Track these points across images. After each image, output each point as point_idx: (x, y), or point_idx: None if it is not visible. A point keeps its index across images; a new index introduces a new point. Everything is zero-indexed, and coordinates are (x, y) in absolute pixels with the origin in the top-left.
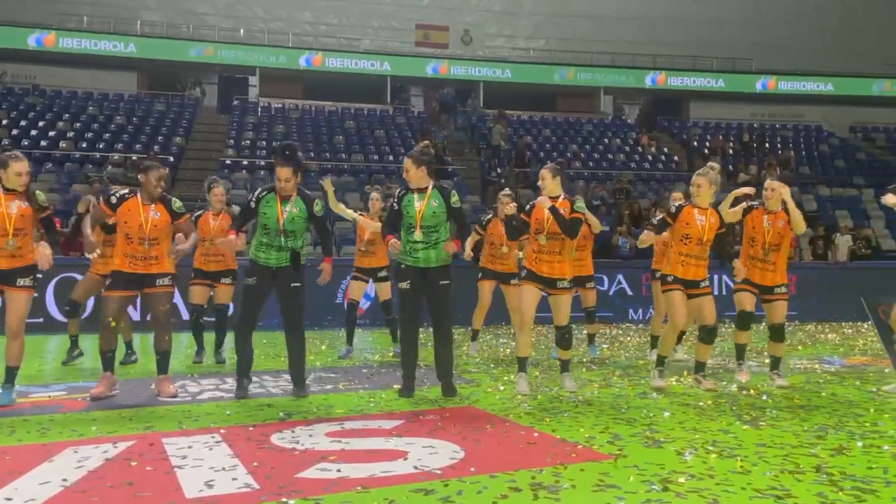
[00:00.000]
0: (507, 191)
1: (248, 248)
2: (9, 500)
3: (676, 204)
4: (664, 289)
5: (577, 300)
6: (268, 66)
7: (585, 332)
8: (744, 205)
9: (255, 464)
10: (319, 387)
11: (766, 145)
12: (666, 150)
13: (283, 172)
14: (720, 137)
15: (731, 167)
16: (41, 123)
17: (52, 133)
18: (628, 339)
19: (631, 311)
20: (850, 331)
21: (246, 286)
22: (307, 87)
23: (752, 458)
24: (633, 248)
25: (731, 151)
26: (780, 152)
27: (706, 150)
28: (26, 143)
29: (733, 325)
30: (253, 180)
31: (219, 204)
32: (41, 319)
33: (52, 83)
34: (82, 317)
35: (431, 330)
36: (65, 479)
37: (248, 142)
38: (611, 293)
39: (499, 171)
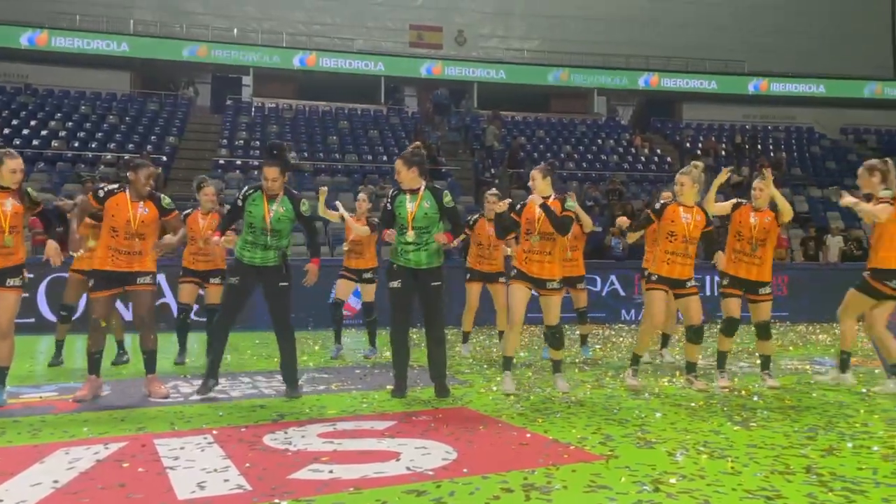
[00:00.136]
0: (493, 190)
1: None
2: (0, 501)
3: (661, 202)
4: (647, 287)
5: (569, 301)
6: (261, 65)
7: (578, 332)
8: (733, 201)
9: (248, 465)
10: (312, 387)
11: (759, 147)
12: (659, 151)
13: (271, 172)
14: (713, 139)
15: (723, 168)
16: (33, 122)
17: (44, 132)
18: (621, 339)
19: (623, 311)
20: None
21: (229, 285)
22: (301, 86)
23: (743, 459)
24: (625, 248)
25: (723, 153)
26: (771, 153)
27: (699, 152)
28: (18, 143)
29: (718, 331)
30: (246, 180)
31: (209, 203)
32: (32, 320)
33: (45, 82)
34: (74, 317)
35: (424, 331)
36: (56, 481)
37: (242, 142)
38: (603, 294)
39: (492, 171)
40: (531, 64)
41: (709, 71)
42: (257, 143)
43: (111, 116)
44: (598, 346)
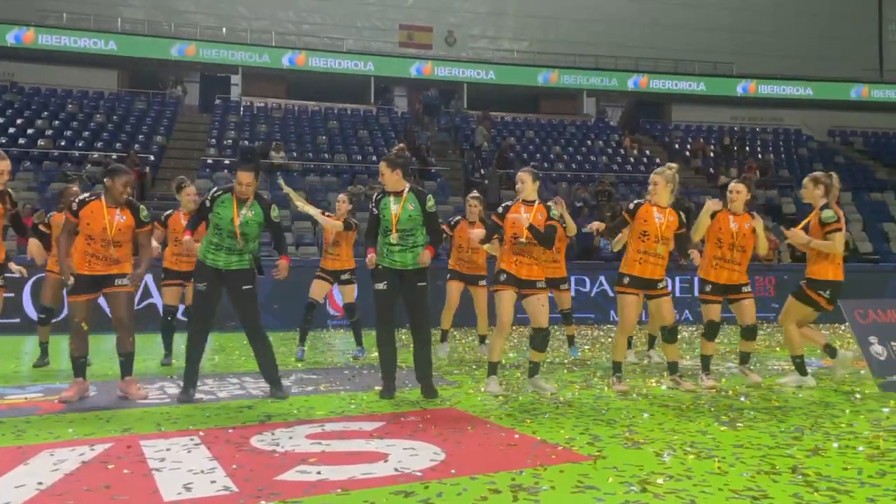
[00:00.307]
0: (475, 193)
1: None
2: None
3: (636, 201)
4: (619, 290)
5: (554, 303)
6: (250, 65)
7: (565, 334)
8: (708, 216)
9: (235, 466)
10: (300, 388)
11: (747, 148)
12: (648, 152)
13: (245, 177)
14: (701, 140)
15: (711, 170)
16: (19, 121)
17: (30, 131)
18: (609, 340)
19: (612, 312)
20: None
21: (197, 292)
22: (290, 86)
23: (730, 459)
24: (613, 249)
25: (711, 154)
26: (759, 155)
27: (687, 153)
28: (3, 141)
29: (701, 335)
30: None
31: (191, 203)
32: (18, 320)
33: (31, 80)
34: (56, 319)
35: (410, 332)
36: (40, 483)
37: (230, 141)
38: (592, 294)
39: (482, 172)
40: (521, 65)
41: (697, 73)
42: (246, 143)
43: (98, 115)
44: (586, 347)
